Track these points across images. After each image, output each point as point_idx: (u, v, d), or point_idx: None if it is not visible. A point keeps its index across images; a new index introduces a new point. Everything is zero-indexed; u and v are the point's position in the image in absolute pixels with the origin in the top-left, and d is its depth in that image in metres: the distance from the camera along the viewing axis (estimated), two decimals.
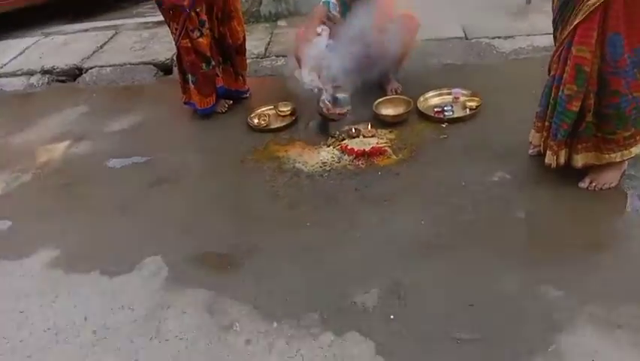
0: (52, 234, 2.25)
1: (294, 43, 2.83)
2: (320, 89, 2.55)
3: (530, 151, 2.28)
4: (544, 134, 2.05)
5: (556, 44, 1.94)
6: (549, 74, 2.03)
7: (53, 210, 2.43)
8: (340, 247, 1.96)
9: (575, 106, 1.89)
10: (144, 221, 2.28)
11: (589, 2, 1.75)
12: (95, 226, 2.29)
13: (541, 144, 2.09)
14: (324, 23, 2.64)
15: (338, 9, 2.66)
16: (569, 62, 1.86)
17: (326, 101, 2.54)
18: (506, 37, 3.32)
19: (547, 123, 2.03)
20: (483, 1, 3.86)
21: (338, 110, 2.57)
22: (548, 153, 2.03)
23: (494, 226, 1.95)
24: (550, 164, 2.02)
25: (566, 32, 1.84)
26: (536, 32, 3.27)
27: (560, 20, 1.90)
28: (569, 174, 2.05)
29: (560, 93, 1.92)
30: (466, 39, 3.42)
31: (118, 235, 2.21)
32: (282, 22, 4.21)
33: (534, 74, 2.83)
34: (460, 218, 2.01)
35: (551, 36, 2.84)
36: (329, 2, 2.65)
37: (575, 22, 1.79)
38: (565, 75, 1.88)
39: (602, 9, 1.74)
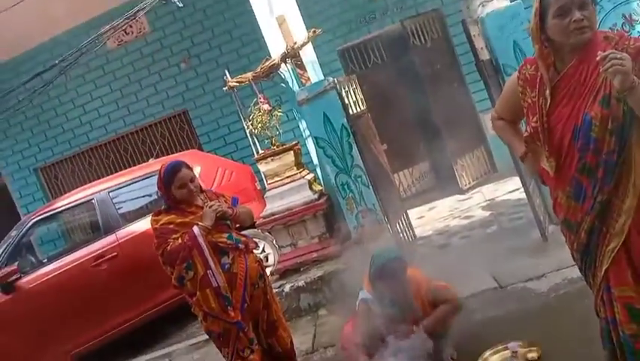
0: None
1: (343, 342, 2.93)
2: None
3: None
4: None
5: (593, 290, 1.95)
6: (598, 316, 2.00)
7: None
8: None
9: None
10: None
11: (609, 248, 1.82)
12: None
13: None
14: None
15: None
16: (615, 303, 1.85)
17: None
18: (539, 278, 3.39)
19: None
20: (501, 247, 4.08)
21: None
22: None
23: None
24: None
25: (599, 279, 1.88)
26: (565, 265, 3.32)
27: (586, 268, 1.94)
28: None
29: (621, 335, 1.86)
30: (501, 288, 3.49)
31: None
32: (322, 312, 4.37)
33: (580, 307, 2.83)
34: None
35: None
36: (367, 299, 2.82)
37: (604, 269, 1.84)
38: (618, 317, 1.85)
39: (624, 249, 1.80)
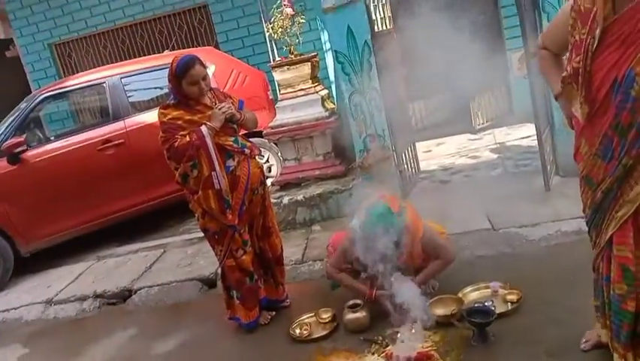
0: None
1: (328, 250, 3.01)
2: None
3: (583, 346, 2.20)
4: (609, 333, 1.98)
5: (595, 247, 1.97)
6: (594, 270, 2.03)
7: None
8: None
9: (631, 306, 1.85)
10: None
11: (618, 213, 1.81)
12: None
13: (609, 342, 2.01)
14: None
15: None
16: (612, 260, 1.87)
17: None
18: (533, 225, 3.41)
19: (608, 322, 1.98)
20: (502, 190, 4.09)
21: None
22: (615, 355, 1.95)
23: None
24: None
25: (603, 241, 1.89)
26: (562, 217, 3.36)
27: (592, 226, 1.95)
28: None
29: (611, 293, 1.90)
30: (494, 230, 3.53)
31: None
32: (316, 227, 4.46)
33: (568, 260, 2.88)
34: None
35: (577, 220, 2.92)
36: (356, 231, 2.74)
37: (610, 233, 1.85)
38: (612, 275, 1.88)
39: (633, 217, 1.79)
